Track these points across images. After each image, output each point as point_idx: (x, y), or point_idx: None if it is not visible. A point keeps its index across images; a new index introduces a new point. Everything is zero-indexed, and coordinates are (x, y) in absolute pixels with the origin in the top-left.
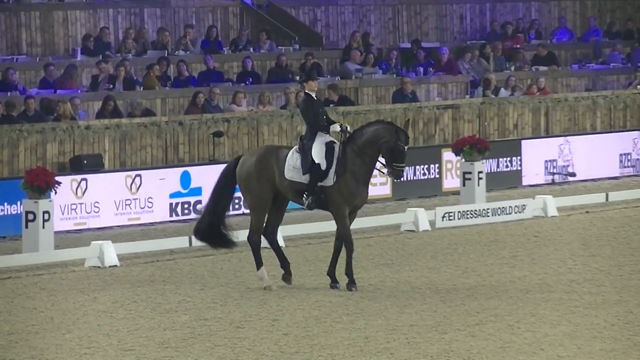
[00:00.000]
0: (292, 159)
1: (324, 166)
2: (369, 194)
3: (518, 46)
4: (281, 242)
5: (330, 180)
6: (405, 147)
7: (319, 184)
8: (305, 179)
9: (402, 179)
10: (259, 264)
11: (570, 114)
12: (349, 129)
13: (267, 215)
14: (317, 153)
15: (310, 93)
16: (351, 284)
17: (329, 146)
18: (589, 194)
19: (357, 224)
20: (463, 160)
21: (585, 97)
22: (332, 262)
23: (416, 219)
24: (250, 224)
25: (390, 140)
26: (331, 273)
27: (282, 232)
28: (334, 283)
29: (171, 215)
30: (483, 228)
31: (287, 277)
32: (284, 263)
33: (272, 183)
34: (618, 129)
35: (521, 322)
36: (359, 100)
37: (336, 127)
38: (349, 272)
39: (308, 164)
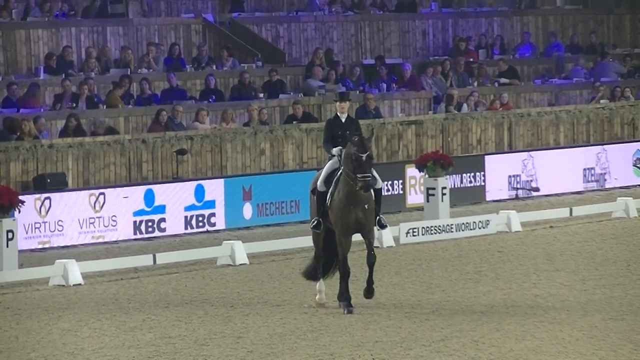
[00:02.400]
0: None
1: (321, 188)
2: None
3: (471, 60)
4: (245, 259)
5: (328, 202)
6: (362, 156)
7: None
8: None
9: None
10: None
11: (533, 129)
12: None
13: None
14: (322, 175)
15: (339, 114)
16: (343, 306)
17: (336, 168)
18: (553, 208)
19: None
20: (426, 176)
21: (548, 112)
22: (367, 281)
23: (380, 234)
24: None
25: (351, 150)
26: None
27: (246, 249)
28: (369, 295)
29: (135, 233)
30: (447, 243)
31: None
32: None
33: None
34: (581, 143)
35: (486, 337)
36: (322, 116)
37: (335, 151)
38: (340, 295)
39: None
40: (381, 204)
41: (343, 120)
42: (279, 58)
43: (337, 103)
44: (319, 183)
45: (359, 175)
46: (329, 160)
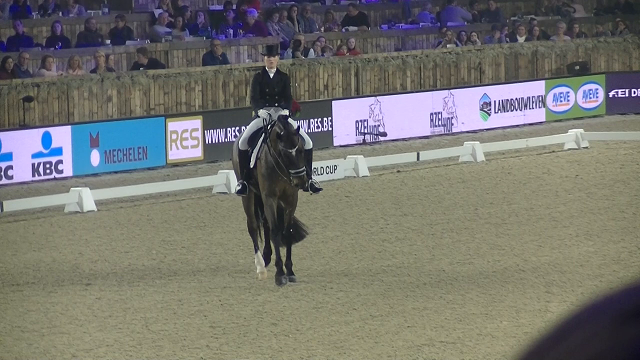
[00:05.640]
0: None
1: (243, 146)
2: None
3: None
4: (93, 206)
5: (253, 163)
6: (291, 151)
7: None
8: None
9: (306, 185)
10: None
11: (380, 74)
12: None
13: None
14: (245, 133)
15: (267, 69)
16: (282, 274)
17: (261, 127)
18: (400, 153)
19: (169, 186)
20: None
21: (395, 57)
22: (285, 263)
23: (228, 181)
24: None
25: (281, 144)
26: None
27: (94, 196)
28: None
29: None
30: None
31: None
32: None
33: None
34: (428, 88)
35: (334, 282)
36: (169, 63)
37: (262, 113)
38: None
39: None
40: (312, 165)
41: (272, 75)
42: (125, 4)
43: (265, 57)
44: (240, 141)
45: (292, 172)
46: (254, 119)
